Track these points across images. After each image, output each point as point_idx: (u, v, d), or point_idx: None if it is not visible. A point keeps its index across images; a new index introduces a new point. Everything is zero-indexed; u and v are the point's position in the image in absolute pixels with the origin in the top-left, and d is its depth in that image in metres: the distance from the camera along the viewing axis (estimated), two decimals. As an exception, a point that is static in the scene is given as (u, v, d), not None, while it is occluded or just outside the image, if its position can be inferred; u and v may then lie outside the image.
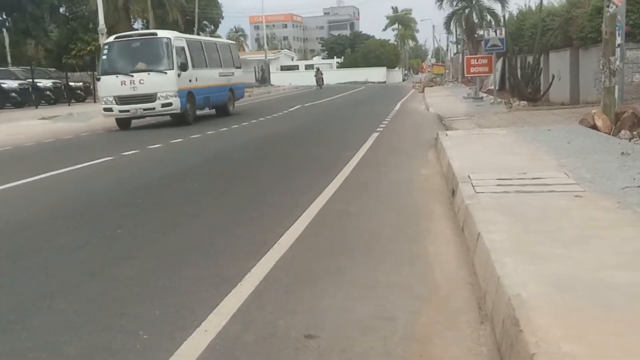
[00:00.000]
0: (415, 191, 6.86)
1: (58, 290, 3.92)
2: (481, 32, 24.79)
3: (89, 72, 33.66)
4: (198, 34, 44.87)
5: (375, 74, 71.02)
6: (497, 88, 20.74)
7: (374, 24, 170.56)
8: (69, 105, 28.12)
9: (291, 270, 4.21)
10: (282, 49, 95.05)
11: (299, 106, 24.76)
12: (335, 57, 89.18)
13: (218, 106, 20.09)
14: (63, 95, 29.38)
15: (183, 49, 17.25)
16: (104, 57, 17.13)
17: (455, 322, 3.26)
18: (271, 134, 14.15)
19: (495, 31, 19.53)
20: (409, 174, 7.93)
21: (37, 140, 14.09)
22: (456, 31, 53.84)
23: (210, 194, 7.21)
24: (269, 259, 4.43)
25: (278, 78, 65.38)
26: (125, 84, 16.35)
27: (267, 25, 75.76)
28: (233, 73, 21.43)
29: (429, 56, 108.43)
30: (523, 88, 17.60)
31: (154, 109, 16.65)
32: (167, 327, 3.30)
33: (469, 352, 2.92)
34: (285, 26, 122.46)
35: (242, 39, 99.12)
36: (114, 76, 16.52)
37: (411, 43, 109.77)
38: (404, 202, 6.33)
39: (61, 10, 42.86)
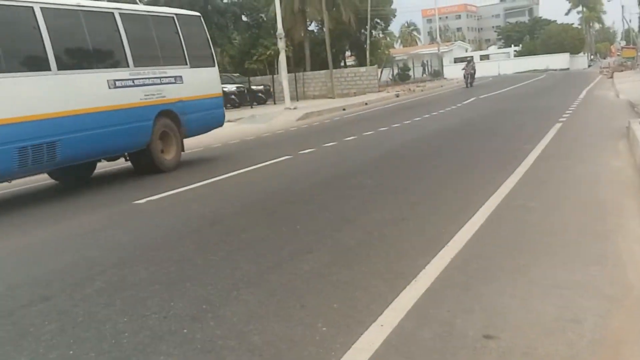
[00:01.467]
0: (603, 185, 6.35)
1: (242, 282, 4.16)
2: (680, 8, 22.34)
3: (269, 76, 35.54)
4: (370, 33, 45.51)
5: (557, 61, 67.11)
6: (700, 69, 18.55)
7: (555, 8, 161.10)
8: (251, 107, 29.86)
9: (467, 268, 4.08)
10: (455, 40, 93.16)
11: (473, 99, 24.10)
12: (512, 45, 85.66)
13: (127, 155, 10.31)
14: (246, 99, 31.28)
15: None
16: None
17: (653, 328, 2.96)
18: (444, 129, 13.91)
19: (697, 6, 17.44)
20: (597, 166, 7.36)
21: (223, 142, 15.11)
22: (649, 9, 49.07)
23: (383, 190, 7.24)
24: (444, 256, 4.34)
25: (451, 71, 64.17)
26: None
27: (440, 18, 74.66)
28: (178, 78, 10.80)
29: (618, 39, 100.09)
30: None
31: None
32: (344, 320, 3.36)
33: (670, 363, 2.63)
34: (459, 17, 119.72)
35: (414, 33, 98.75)
36: None
37: (597, 26, 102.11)
38: (591, 197, 5.88)
39: (243, 18, 45.64)
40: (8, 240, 6.08)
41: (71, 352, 3.23)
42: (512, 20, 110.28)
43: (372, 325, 3.25)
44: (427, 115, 17.60)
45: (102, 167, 11.87)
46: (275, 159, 10.56)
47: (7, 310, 3.92)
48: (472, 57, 46.14)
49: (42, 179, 10.71)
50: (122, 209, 7.35)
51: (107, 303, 3.93)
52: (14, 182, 9.04)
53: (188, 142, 14.55)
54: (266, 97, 33.60)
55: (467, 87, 35.21)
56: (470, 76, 36.39)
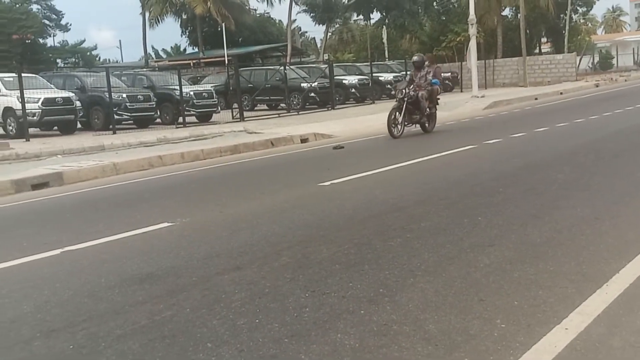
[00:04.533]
0: None
1: (420, 270, 4.15)
2: None
3: (458, 63, 34.86)
4: (570, 17, 42.63)
5: None
6: None
7: None
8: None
9: (669, 275, 3.72)
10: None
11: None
12: None
13: None
14: (432, 86, 30.90)
15: None
16: None
17: None
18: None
19: None
20: None
21: (405, 129, 15.07)
22: None
23: (575, 186, 6.79)
24: (642, 260, 3.99)
25: (662, 59, 58.17)
26: None
27: (651, 1, 67.83)
28: None
29: None
30: None
31: None
32: (525, 319, 3.23)
33: None
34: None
35: (621, 19, 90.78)
36: None
37: None
38: None
39: (434, 4, 45.21)
40: (210, 214, 6.63)
41: (257, 320, 3.45)
42: None
43: (556, 327, 3.10)
44: (630, 108, 16.16)
45: (285, 150, 12.47)
46: (458, 148, 10.36)
47: (204, 277, 4.30)
48: (421, 56, 14.61)
49: (251, 157, 11.52)
50: (309, 190, 7.68)
51: (292, 278, 4.15)
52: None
53: (366, 129, 14.75)
54: (453, 84, 33.01)
55: (393, 136, 12.94)
56: (413, 101, 13.27)
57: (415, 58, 14.30)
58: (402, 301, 3.61)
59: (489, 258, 4.31)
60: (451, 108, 20.66)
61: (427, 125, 13.74)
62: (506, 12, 45.01)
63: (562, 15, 43.71)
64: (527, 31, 38.29)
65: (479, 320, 3.27)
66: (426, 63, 14.33)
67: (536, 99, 23.29)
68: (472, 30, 24.30)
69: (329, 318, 3.43)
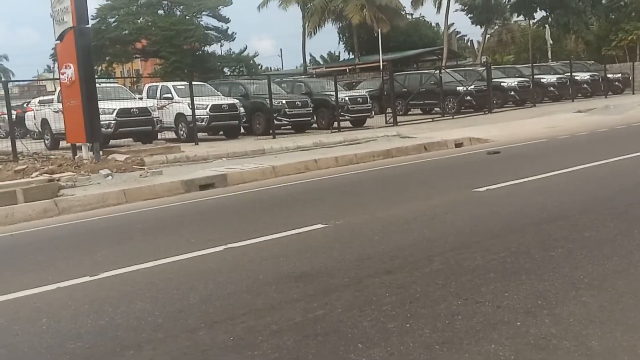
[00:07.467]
0: None
1: (583, 283, 3.91)
2: None
3: (629, 63, 32.38)
4: None
5: None
6: None
7: None
8: (606, 97, 27.61)
9: None
10: None
11: None
12: None
13: None
14: (600, 88, 29.00)
15: None
16: None
17: None
18: None
19: None
20: None
21: (571, 133, 14.29)
22: None
23: None
24: None
25: None
26: None
27: None
28: None
29: None
30: None
31: None
32: None
33: None
34: None
35: None
36: None
37: None
38: None
39: (603, 1, 42.32)
40: (363, 217, 6.72)
41: (407, 325, 3.44)
42: None
43: None
44: None
45: (438, 154, 12.29)
46: (629, 154, 9.60)
47: (356, 278, 4.36)
48: None
49: (404, 161, 11.55)
50: (462, 196, 7.51)
51: (443, 284, 4.08)
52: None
53: (524, 133, 14.18)
54: (624, 86, 30.70)
55: None
56: None
57: None
58: (563, 315, 3.42)
59: (664, 274, 3.96)
60: (621, 111, 19.26)
61: None
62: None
63: None
64: None
65: (650, 340, 3.02)
66: None
67: None
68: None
69: (483, 327, 3.33)
